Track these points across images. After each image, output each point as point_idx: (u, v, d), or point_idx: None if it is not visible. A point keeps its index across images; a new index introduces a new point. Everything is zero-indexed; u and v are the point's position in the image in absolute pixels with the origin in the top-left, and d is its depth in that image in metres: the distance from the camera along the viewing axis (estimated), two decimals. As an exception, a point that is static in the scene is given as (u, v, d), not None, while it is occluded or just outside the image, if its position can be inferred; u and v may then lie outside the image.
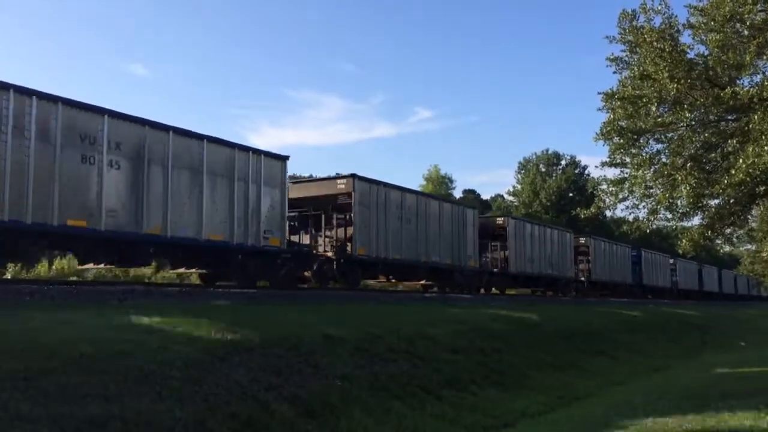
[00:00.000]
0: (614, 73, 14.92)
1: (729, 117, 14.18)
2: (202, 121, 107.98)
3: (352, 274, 20.72)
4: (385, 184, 21.93)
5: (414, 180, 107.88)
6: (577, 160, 71.06)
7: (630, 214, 16.02)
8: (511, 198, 73.61)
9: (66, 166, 12.88)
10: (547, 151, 72.42)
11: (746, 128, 12.91)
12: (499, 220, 30.90)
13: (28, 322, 8.59)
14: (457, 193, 65.64)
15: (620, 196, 15.25)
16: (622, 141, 14.75)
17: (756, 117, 12.24)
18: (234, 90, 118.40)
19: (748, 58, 12.88)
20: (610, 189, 15.45)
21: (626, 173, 15.21)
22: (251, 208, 16.78)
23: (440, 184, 63.01)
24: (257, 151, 17.25)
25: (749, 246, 41.03)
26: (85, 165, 13.18)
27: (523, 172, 72.65)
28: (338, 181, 21.01)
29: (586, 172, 67.88)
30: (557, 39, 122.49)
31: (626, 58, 14.67)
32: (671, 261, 49.99)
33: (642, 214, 15.61)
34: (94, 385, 7.09)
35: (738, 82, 13.59)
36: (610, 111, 14.74)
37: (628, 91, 14.32)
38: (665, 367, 19.38)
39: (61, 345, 7.70)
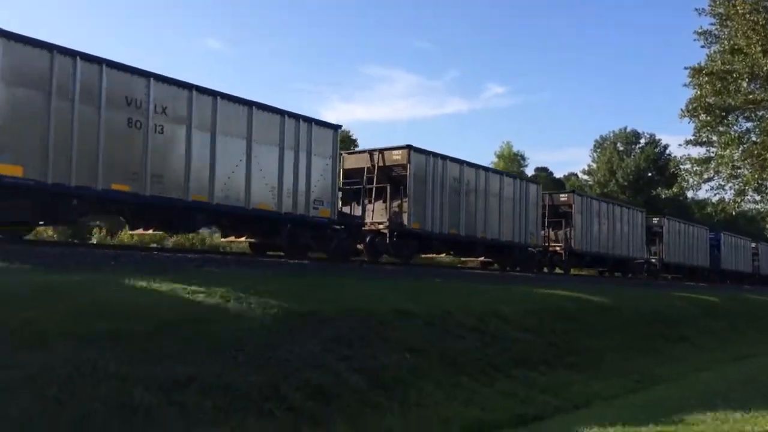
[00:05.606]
0: (702, 47, 14.42)
1: (827, 94, 13.46)
2: (273, 93, 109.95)
3: None
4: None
5: (486, 157, 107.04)
6: (657, 138, 68.64)
7: (714, 195, 15.58)
8: (585, 177, 71.82)
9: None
10: (626, 129, 70.20)
11: None
12: (563, 197, 29.09)
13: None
14: (530, 171, 64.18)
15: (705, 176, 14.86)
16: (709, 118, 14.29)
17: None
18: (307, 66, 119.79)
19: None
20: (695, 169, 15.06)
21: (712, 152, 14.81)
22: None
23: (512, 161, 62.02)
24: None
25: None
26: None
27: (599, 150, 70.70)
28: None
29: (667, 151, 65.40)
30: (634, 12, 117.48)
31: (716, 32, 14.18)
32: (753, 245, 47.72)
33: (728, 195, 15.14)
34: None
35: (839, 56, 12.81)
36: (696, 87, 14.31)
37: (717, 66, 13.84)
38: (751, 355, 18.61)
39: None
